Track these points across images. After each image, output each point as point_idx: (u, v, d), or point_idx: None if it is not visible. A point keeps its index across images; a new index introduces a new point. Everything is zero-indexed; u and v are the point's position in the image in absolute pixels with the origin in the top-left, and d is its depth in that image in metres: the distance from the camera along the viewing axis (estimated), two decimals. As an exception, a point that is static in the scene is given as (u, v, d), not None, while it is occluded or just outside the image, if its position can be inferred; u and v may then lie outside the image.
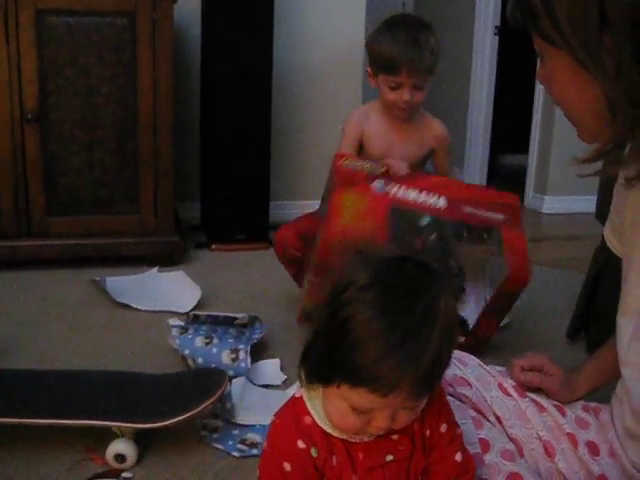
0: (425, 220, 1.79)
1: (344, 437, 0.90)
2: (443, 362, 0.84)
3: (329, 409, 0.88)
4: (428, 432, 0.94)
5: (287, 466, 0.88)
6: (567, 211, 3.73)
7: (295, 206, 3.25)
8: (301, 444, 0.89)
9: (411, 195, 1.73)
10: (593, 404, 1.26)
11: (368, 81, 2.09)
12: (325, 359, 0.84)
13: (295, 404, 0.92)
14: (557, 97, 0.96)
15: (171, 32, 2.50)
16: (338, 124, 3.41)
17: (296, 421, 0.90)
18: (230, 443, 1.45)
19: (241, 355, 1.71)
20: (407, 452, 0.92)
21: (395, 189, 1.72)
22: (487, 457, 1.07)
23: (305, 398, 0.92)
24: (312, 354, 0.86)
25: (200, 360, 1.72)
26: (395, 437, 0.91)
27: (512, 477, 1.06)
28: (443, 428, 0.95)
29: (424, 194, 1.74)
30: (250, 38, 2.77)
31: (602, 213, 2.05)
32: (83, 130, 2.48)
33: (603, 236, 2.09)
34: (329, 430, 0.90)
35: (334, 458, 0.90)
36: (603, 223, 2.09)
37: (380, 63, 1.96)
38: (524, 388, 1.21)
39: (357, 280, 0.82)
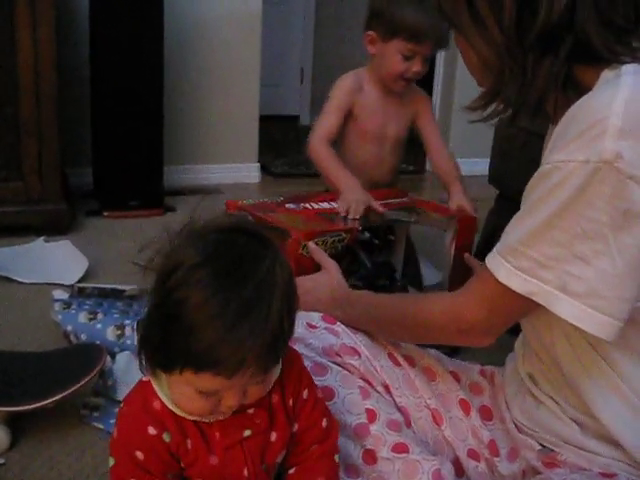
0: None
1: (196, 419, 0.85)
2: (286, 331, 0.80)
3: (175, 395, 0.83)
4: (291, 402, 0.91)
5: (139, 455, 0.83)
6: (468, 173, 3.77)
7: (190, 170, 3.16)
8: (152, 430, 0.84)
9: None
10: (490, 368, 1.26)
11: (366, 46, 1.89)
12: (162, 346, 0.78)
13: (143, 388, 0.87)
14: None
15: (52, -12, 2.33)
16: (234, 86, 3.35)
17: (145, 406, 0.85)
18: (112, 422, 1.37)
19: (127, 331, 1.63)
20: (265, 425, 0.89)
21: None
22: (373, 427, 1.05)
23: (153, 382, 0.86)
24: (149, 340, 0.81)
25: (84, 337, 1.62)
26: (251, 411, 0.88)
27: (397, 447, 1.04)
28: (305, 394, 0.93)
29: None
30: (140, -5, 2.63)
31: (495, 177, 2.06)
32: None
33: (495, 199, 2.12)
34: (180, 413, 0.85)
35: (188, 441, 0.85)
36: (496, 187, 2.12)
37: (401, 29, 1.79)
38: None
39: (185, 260, 0.77)
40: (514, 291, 0.89)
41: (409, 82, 1.91)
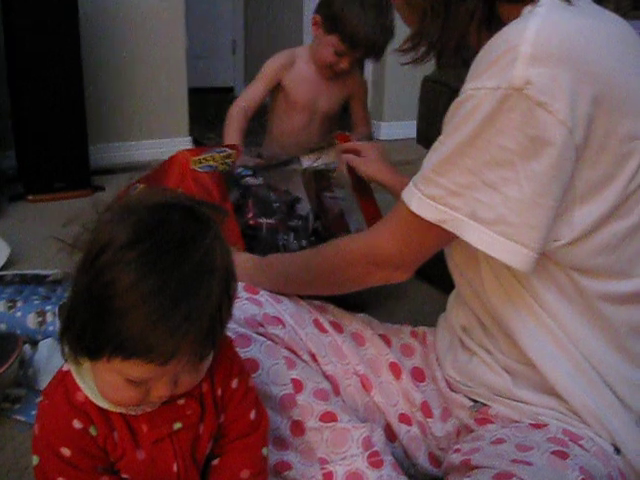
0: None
1: (122, 411, 0.79)
2: (224, 317, 0.74)
3: (100, 384, 0.76)
4: (220, 391, 0.85)
5: (65, 451, 0.77)
6: (403, 136, 3.75)
7: (116, 148, 3.07)
8: (77, 424, 0.78)
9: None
10: (422, 328, 1.24)
11: (312, 28, 1.97)
12: (89, 330, 0.71)
13: (64, 380, 0.80)
14: None
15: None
16: (160, 58, 3.24)
17: (68, 399, 0.78)
18: (33, 413, 1.30)
19: (48, 317, 1.55)
20: (196, 417, 0.83)
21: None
22: (300, 398, 1.02)
23: (74, 373, 0.79)
24: (74, 324, 0.72)
25: (3, 326, 1.54)
26: (181, 402, 0.82)
27: (325, 416, 1.02)
28: (234, 384, 0.87)
29: None
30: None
31: (422, 137, 2.03)
32: None
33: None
34: (104, 406, 0.79)
35: (115, 434, 0.79)
36: (424, 146, 2.10)
37: (340, 29, 1.86)
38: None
39: (116, 239, 0.70)
40: (426, 220, 0.89)
41: (336, 74, 1.99)
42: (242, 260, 1.22)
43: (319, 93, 2.06)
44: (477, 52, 0.92)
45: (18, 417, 1.31)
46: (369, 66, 3.93)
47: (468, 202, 0.85)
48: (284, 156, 1.76)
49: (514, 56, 0.79)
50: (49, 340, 1.51)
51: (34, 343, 1.51)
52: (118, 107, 3.16)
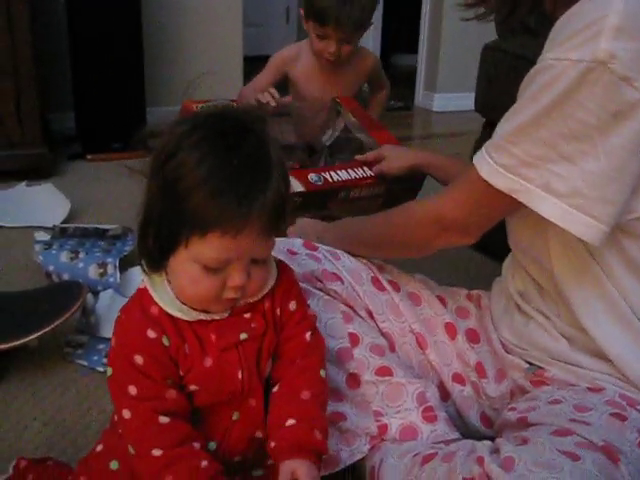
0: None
1: (195, 318, 0.83)
2: (284, 197, 0.79)
3: (180, 280, 0.81)
4: (278, 310, 0.89)
5: (139, 359, 0.80)
6: (457, 108, 3.72)
7: (173, 112, 3.08)
8: (151, 333, 0.81)
9: (343, 175, 1.67)
10: (477, 292, 1.24)
11: (302, 23, 2.01)
12: (165, 222, 0.77)
13: (140, 296, 0.84)
14: None
15: None
16: (215, 24, 3.27)
17: (143, 311, 0.82)
18: (95, 358, 1.36)
19: (109, 269, 1.60)
20: (260, 330, 0.87)
21: (328, 175, 1.66)
22: (356, 351, 1.03)
23: (149, 288, 0.83)
24: (150, 228, 0.79)
25: (66, 276, 1.60)
26: (247, 315, 0.86)
27: (381, 370, 1.03)
28: (292, 306, 0.90)
29: (352, 171, 1.69)
30: None
31: (481, 104, 2.01)
32: None
33: (482, 127, 2.08)
34: (178, 314, 0.83)
35: (186, 346, 0.83)
36: (483, 115, 2.07)
37: (310, 11, 1.89)
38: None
39: (177, 132, 0.77)
40: (497, 189, 0.88)
41: (336, 60, 1.95)
42: (312, 223, 1.26)
43: (328, 85, 2.04)
44: (551, 19, 0.90)
45: (80, 362, 1.36)
46: (424, 38, 3.90)
47: (542, 174, 0.84)
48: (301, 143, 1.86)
49: (600, 27, 0.77)
50: (109, 291, 1.55)
51: (95, 293, 1.55)
52: (175, 72, 3.20)
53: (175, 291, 0.83)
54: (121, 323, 0.84)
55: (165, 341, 0.82)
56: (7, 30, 2.30)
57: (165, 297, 0.83)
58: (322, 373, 0.92)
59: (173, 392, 0.83)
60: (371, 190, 1.69)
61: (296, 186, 1.49)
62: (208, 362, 0.84)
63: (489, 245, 1.28)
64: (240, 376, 0.85)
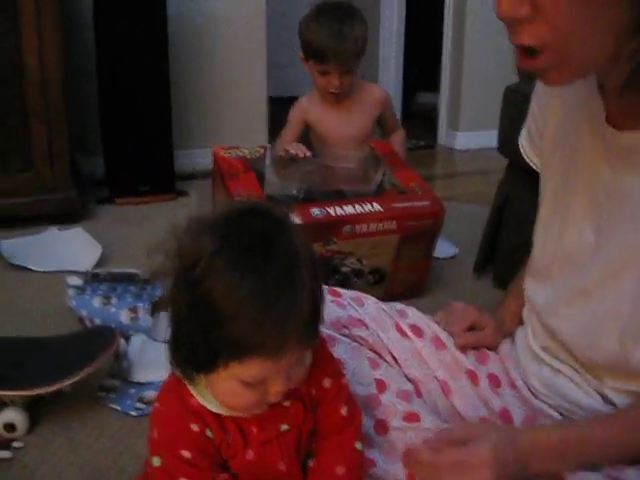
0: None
1: (239, 414, 0.84)
2: (318, 299, 0.79)
3: (220, 395, 0.81)
4: (314, 391, 0.89)
5: (186, 453, 0.80)
6: (479, 146, 3.75)
7: (199, 155, 3.15)
8: (195, 427, 0.81)
9: (348, 210, 1.73)
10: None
11: (302, 64, 2.14)
12: (200, 346, 0.75)
13: (175, 385, 0.83)
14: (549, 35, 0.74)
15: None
16: (240, 67, 3.34)
17: (183, 404, 0.82)
18: (128, 403, 1.39)
19: (140, 313, 1.64)
20: (300, 417, 0.87)
21: (332, 209, 1.73)
22: (383, 397, 1.05)
23: (187, 384, 0.83)
24: (183, 344, 0.78)
25: (98, 321, 1.64)
26: (287, 403, 0.86)
27: (409, 417, 1.04)
28: (327, 383, 0.90)
29: (358, 205, 1.76)
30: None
31: (504, 145, 2.04)
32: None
33: (506, 169, 2.10)
34: (218, 411, 0.83)
35: (228, 436, 0.84)
36: (505, 155, 2.10)
37: (309, 51, 2.04)
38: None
39: (204, 249, 0.74)
40: None
41: (340, 93, 2.10)
42: (531, 442, 0.91)
43: (343, 123, 2.17)
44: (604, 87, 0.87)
45: (113, 406, 1.39)
46: (446, 76, 3.94)
47: None
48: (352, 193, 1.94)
49: None
50: (141, 335, 1.59)
51: (126, 337, 1.59)
52: (201, 115, 3.27)
53: (215, 398, 0.82)
54: (161, 414, 0.84)
55: (209, 433, 0.82)
56: (40, 71, 2.37)
57: (204, 392, 0.83)
58: (358, 445, 0.92)
59: (224, 475, 0.84)
60: (380, 225, 1.71)
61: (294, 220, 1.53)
62: (250, 455, 0.84)
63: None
64: (282, 467, 0.86)
